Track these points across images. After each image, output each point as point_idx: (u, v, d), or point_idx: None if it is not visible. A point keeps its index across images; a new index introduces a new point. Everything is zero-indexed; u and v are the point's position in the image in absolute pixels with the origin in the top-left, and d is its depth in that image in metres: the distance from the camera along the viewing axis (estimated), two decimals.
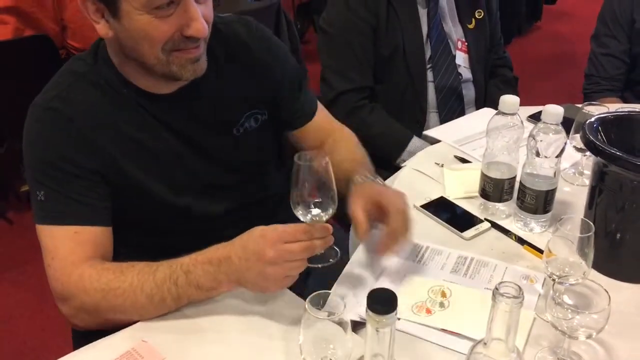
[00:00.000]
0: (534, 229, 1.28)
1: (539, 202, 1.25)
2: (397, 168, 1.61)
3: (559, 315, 0.91)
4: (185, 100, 1.21)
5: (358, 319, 1.01)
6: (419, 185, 1.46)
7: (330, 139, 1.41)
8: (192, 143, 1.23)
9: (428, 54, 1.89)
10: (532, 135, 1.22)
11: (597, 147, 1.09)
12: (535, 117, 1.68)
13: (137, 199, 1.20)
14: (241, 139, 1.28)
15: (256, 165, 1.34)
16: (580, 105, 1.54)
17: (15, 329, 2.34)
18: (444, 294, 1.10)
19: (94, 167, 1.14)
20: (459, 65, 1.94)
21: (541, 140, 1.20)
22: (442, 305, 1.08)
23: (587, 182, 1.24)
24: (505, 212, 1.32)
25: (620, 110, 1.25)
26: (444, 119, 1.92)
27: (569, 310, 0.90)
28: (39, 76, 1.37)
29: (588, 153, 1.26)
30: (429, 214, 1.35)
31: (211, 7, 1.13)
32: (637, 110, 1.24)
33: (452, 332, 1.03)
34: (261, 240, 1.01)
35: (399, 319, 1.03)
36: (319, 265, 1.04)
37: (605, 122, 1.17)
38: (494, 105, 1.31)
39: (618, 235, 1.14)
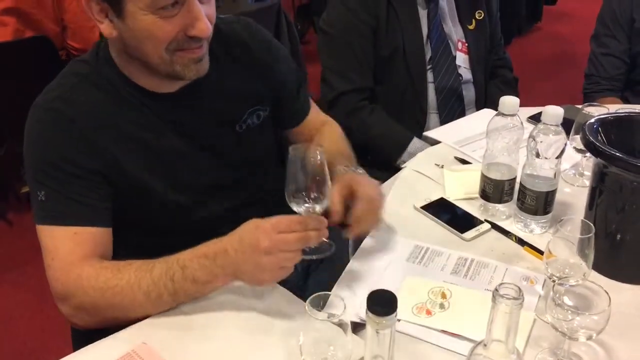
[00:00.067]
0: (534, 230, 1.28)
1: (539, 203, 1.25)
2: (397, 169, 1.60)
3: (559, 316, 0.91)
4: (188, 98, 1.21)
5: (358, 320, 1.01)
6: (419, 187, 1.46)
7: (317, 131, 1.44)
8: (195, 141, 1.23)
9: (428, 54, 1.89)
10: (532, 136, 1.22)
11: (597, 148, 1.09)
12: (535, 118, 1.68)
13: (138, 199, 1.20)
14: (244, 136, 1.29)
15: (257, 163, 1.35)
16: (580, 106, 1.54)
17: (15, 329, 2.33)
18: (444, 295, 1.10)
19: (95, 168, 1.14)
20: (459, 66, 1.94)
21: (541, 141, 1.20)
22: (442, 306, 1.08)
23: (587, 183, 1.24)
24: (505, 213, 1.32)
25: (620, 111, 1.24)
26: (444, 119, 1.91)
27: (569, 312, 0.90)
28: (39, 77, 1.38)
29: (588, 154, 1.26)
30: (429, 215, 1.35)
31: (214, 7, 1.14)
32: (637, 111, 1.24)
33: (452, 333, 1.03)
34: (256, 231, 1.02)
35: (399, 320, 1.03)
36: (314, 257, 1.06)
37: (605, 123, 1.17)
38: (494, 106, 1.31)
39: (618, 236, 1.14)
